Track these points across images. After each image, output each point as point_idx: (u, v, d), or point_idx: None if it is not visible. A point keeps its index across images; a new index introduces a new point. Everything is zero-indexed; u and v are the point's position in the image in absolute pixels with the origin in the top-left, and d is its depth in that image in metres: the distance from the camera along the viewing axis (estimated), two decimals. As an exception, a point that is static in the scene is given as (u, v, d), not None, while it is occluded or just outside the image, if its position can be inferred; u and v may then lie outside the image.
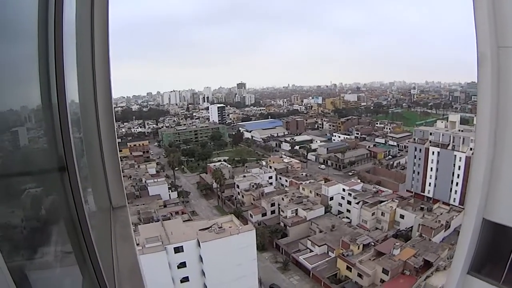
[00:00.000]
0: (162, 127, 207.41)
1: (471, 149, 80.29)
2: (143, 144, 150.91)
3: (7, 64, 2.12)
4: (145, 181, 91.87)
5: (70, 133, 2.46)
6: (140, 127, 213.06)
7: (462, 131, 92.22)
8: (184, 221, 61.49)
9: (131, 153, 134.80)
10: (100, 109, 5.09)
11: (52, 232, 2.62)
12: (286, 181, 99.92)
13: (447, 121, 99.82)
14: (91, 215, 3.86)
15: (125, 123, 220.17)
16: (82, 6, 4.60)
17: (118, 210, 5.57)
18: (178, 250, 46.49)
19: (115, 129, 5.42)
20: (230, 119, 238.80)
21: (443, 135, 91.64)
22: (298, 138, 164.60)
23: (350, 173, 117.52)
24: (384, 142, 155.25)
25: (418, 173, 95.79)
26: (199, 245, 47.17)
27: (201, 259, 47.45)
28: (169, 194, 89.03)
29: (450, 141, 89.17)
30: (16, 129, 2.25)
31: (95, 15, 4.78)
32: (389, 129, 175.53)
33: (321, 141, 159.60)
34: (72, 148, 2.47)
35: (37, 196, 2.42)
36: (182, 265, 46.89)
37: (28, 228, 2.27)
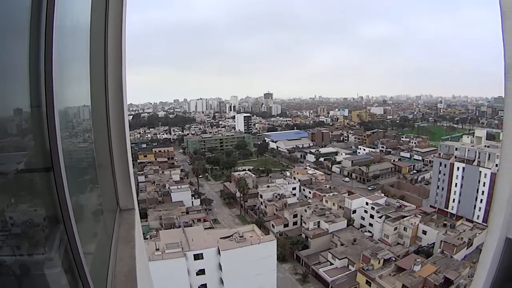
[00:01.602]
0: (187, 134, 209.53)
1: (496, 165, 78.17)
2: (168, 150, 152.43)
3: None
4: (169, 187, 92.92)
5: (56, 133, 2.41)
6: (166, 133, 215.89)
7: (488, 146, 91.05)
8: (205, 228, 61.94)
9: (155, 159, 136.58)
10: (111, 111, 5.07)
11: (29, 235, 2.56)
12: (310, 192, 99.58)
13: (473, 136, 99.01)
14: (85, 217, 3.82)
15: (151, 129, 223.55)
16: (96, 9, 4.62)
17: (125, 212, 5.53)
18: (198, 257, 46.73)
19: (127, 131, 5.38)
20: (256, 128, 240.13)
21: (468, 150, 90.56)
22: (323, 150, 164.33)
23: (370, 188, 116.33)
24: (409, 157, 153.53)
25: (443, 188, 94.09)
26: (219, 253, 47.27)
27: (220, 267, 47.53)
28: (192, 201, 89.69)
29: (475, 156, 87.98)
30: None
31: (109, 18, 4.80)
32: (415, 143, 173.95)
33: (346, 154, 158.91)
34: (58, 148, 2.43)
35: (16, 197, 2.37)
36: (201, 272, 47.11)
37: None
